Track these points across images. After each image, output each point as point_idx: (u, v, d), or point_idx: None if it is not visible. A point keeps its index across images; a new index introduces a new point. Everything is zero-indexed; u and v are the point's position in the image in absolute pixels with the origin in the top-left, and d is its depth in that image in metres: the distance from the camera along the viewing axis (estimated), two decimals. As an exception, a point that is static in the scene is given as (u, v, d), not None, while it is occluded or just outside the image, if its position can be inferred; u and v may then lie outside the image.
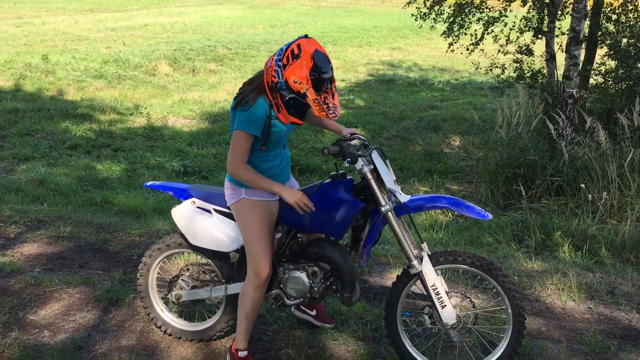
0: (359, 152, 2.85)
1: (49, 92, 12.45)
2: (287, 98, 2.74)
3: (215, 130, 10.60)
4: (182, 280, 3.26)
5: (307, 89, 2.68)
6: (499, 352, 2.93)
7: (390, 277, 4.16)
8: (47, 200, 6.51)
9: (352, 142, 2.91)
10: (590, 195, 5.85)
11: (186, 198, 3.19)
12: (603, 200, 5.78)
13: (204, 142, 9.98)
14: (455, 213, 6.48)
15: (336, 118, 2.78)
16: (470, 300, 3.01)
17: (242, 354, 3.02)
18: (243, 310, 2.98)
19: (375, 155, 2.87)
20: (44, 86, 12.68)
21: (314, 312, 3.53)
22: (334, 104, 2.76)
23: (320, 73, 2.68)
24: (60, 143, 9.32)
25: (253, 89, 2.82)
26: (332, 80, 2.77)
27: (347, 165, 2.81)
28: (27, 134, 9.68)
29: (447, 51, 10.97)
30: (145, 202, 6.57)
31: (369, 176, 2.83)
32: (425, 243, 2.92)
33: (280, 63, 2.70)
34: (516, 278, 4.31)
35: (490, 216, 2.88)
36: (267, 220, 2.96)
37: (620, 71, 8.81)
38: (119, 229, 5.24)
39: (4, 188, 6.81)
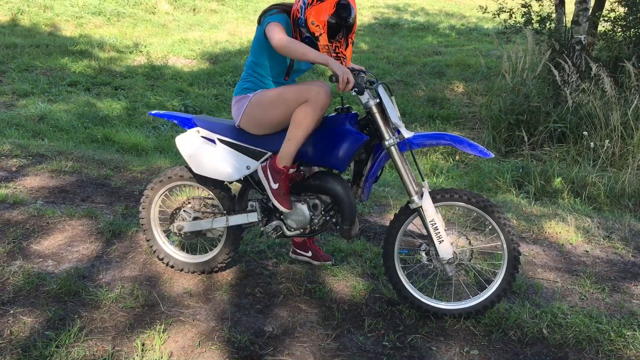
0: (366, 85, 2.84)
1: (47, 27, 12.22)
2: (304, 36, 2.88)
3: (216, 71, 10.47)
4: (184, 211, 3.29)
5: (320, 34, 2.78)
6: (494, 286, 2.99)
7: (390, 218, 4.19)
8: (47, 136, 6.50)
9: (361, 75, 2.89)
10: (592, 143, 5.85)
11: (191, 127, 3.19)
12: (605, 148, 5.78)
13: (205, 82, 9.88)
14: (457, 158, 6.49)
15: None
16: (466, 237, 3.06)
17: (292, 170, 3.01)
18: (300, 130, 2.87)
19: (381, 90, 2.86)
20: (41, 21, 12.42)
21: (309, 254, 3.58)
22: (344, 54, 2.85)
23: (339, 21, 2.77)
24: (60, 79, 9.22)
25: (279, 6, 2.96)
26: (350, 29, 2.83)
27: (354, 94, 2.80)
28: (25, 69, 9.55)
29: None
30: (146, 139, 6.56)
31: (374, 110, 2.83)
32: (426, 181, 2.94)
33: (306, 0, 2.80)
34: (515, 222, 4.36)
35: (492, 155, 2.89)
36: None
37: (630, 18, 8.64)
38: (120, 165, 5.26)
39: (4, 123, 6.78)
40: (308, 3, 2.78)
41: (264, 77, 3.03)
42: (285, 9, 2.94)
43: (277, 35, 2.76)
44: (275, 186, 3.00)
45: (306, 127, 2.87)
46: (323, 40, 2.78)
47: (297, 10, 2.85)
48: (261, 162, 3.06)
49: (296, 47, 2.73)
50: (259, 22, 2.95)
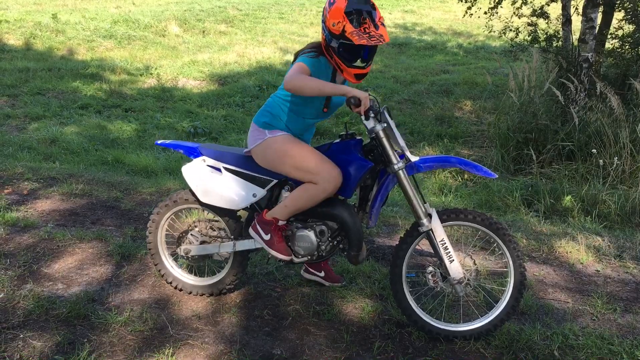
0: (377, 110, 2.86)
1: (59, 51, 12.41)
2: (337, 48, 2.81)
3: (225, 92, 10.57)
4: (191, 235, 3.30)
5: (344, 25, 2.73)
6: (502, 305, 2.98)
7: (399, 238, 4.18)
8: (58, 159, 6.57)
9: (371, 99, 2.90)
10: (601, 161, 5.82)
11: (196, 156, 3.20)
12: (614, 165, 5.75)
13: (214, 103, 9.97)
14: (465, 177, 6.48)
15: (380, 43, 2.75)
16: (471, 257, 3.05)
17: (282, 222, 3.02)
18: (298, 204, 2.93)
19: (386, 114, 2.87)
20: (54, 45, 12.63)
21: (322, 274, 3.57)
22: (378, 33, 2.75)
23: (355, 8, 2.73)
24: (71, 102, 9.34)
25: (315, 46, 2.95)
26: (373, 13, 2.78)
27: (369, 118, 2.80)
28: (38, 93, 9.69)
29: (464, 15, 10.76)
30: (156, 161, 6.61)
31: (381, 135, 2.83)
32: (428, 203, 2.95)
33: (323, 19, 2.83)
34: (524, 241, 4.33)
35: (496, 175, 2.91)
36: (302, 143, 2.99)
37: (637, 35, 8.64)
38: (130, 187, 5.30)
39: (16, 146, 6.87)
40: (325, 16, 2.81)
41: (289, 111, 3.00)
42: (321, 50, 2.92)
43: (291, 74, 2.74)
44: (267, 237, 3.03)
45: (305, 204, 2.93)
46: (348, 28, 2.72)
47: (322, 35, 2.87)
48: (267, 190, 3.08)
49: (309, 84, 2.69)
50: (297, 54, 2.97)
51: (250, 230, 3.10)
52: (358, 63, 2.88)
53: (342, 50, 2.81)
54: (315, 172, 2.86)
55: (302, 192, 2.92)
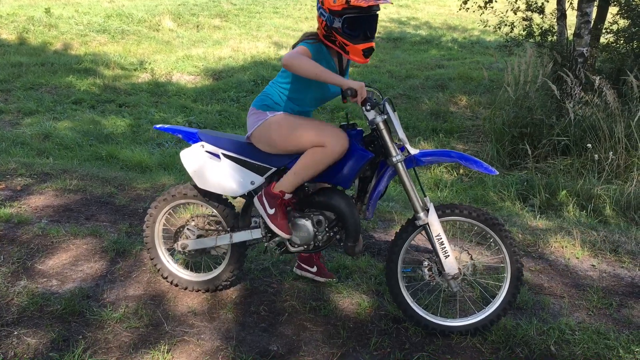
0: (375, 101, 2.85)
1: (53, 46, 12.32)
2: (340, 28, 2.77)
3: (219, 87, 10.52)
4: (188, 229, 3.29)
5: None
6: (499, 300, 2.98)
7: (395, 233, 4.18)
8: (52, 154, 6.53)
9: (370, 90, 2.89)
10: (596, 155, 5.83)
11: (195, 142, 3.18)
12: (609, 160, 5.75)
13: (209, 98, 9.93)
14: (460, 172, 6.48)
15: (388, 2, 2.74)
16: (468, 252, 3.05)
17: (288, 195, 2.99)
18: (308, 171, 2.88)
19: (387, 106, 2.86)
20: (47, 40, 12.53)
21: (314, 269, 3.55)
22: None
23: None
24: (65, 97, 9.28)
25: (312, 35, 2.94)
26: None
27: (368, 109, 2.79)
28: (31, 88, 9.62)
29: (459, 9, 10.72)
30: (150, 157, 6.58)
31: (382, 126, 2.83)
32: (427, 197, 2.94)
33: (319, 5, 2.80)
34: (520, 236, 4.33)
35: (497, 172, 2.89)
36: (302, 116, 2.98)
37: (632, 30, 8.65)
38: (124, 183, 5.26)
39: (9, 141, 6.82)
40: (321, 2, 2.78)
41: (287, 99, 3.00)
42: (320, 40, 2.91)
43: (291, 53, 2.73)
44: (271, 211, 2.99)
45: (315, 170, 2.88)
46: None
47: (321, 22, 2.82)
48: (265, 178, 3.06)
49: (308, 65, 2.69)
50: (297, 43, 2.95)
51: (255, 201, 3.04)
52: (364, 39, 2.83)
53: (346, 26, 2.76)
54: (322, 134, 2.84)
55: (311, 156, 2.86)
